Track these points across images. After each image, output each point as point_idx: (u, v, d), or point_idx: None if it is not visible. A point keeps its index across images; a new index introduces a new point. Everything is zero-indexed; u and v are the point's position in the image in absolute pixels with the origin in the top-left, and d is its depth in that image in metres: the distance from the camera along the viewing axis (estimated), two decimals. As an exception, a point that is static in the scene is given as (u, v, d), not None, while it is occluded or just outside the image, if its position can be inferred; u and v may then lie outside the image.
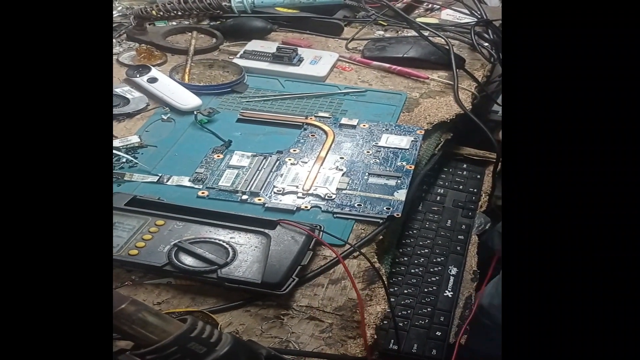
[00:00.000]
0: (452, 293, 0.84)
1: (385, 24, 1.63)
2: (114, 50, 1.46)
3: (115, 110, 1.22)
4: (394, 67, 1.39)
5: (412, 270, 0.86)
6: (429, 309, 0.80)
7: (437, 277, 0.86)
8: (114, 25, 1.57)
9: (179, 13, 1.51)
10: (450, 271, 0.87)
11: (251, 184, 1.03)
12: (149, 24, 1.55)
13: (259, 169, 1.06)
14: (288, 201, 1.00)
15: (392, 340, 0.86)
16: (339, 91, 1.31)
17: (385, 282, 0.84)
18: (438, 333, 0.84)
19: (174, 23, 1.59)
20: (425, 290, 0.84)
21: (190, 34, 1.55)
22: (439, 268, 0.87)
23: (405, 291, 0.83)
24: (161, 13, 1.50)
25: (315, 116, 1.21)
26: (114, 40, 1.50)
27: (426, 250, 0.90)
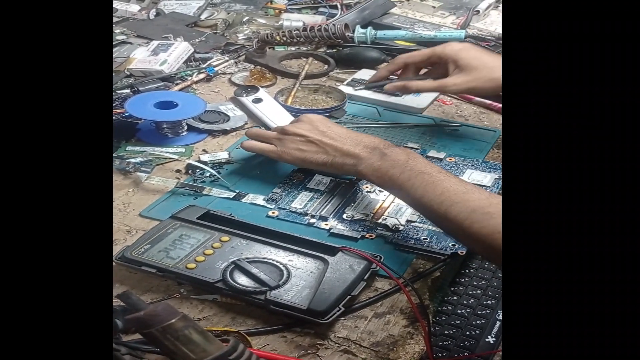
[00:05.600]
0: (494, 339, 0.75)
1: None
2: (230, 70, 1.44)
3: (214, 127, 1.20)
4: (495, 104, 1.30)
5: (459, 311, 0.78)
6: (465, 354, 0.72)
7: (482, 321, 0.77)
8: (236, 47, 1.56)
9: (302, 40, 1.48)
10: (498, 316, 0.78)
11: (323, 208, 0.98)
12: (269, 48, 1.53)
13: (335, 193, 1.01)
14: (354, 228, 0.93)
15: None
16: (434, 124, 1.24)
17: (431, 322, 0.76)
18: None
19: (293, 49, 1.56)
20: (467, 333, 0.75)
21: (305, 59, 1.52)
22: (487, 311, 0.78)
23: (446, 332, 0.75)
24: (285, 39, 1.48)
25: (403, 146, 1.14)
26: (232, 60, 1.48)
27: (478, 292, 0.81)
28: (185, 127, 1.18)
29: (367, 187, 1.02)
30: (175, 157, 1.10)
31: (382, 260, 0.85)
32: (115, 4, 1.73)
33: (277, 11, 1.79)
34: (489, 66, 1.13)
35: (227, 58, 1.50)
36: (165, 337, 0.61)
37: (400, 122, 1.24)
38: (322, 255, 0.85)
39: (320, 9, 1.82)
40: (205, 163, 1.08)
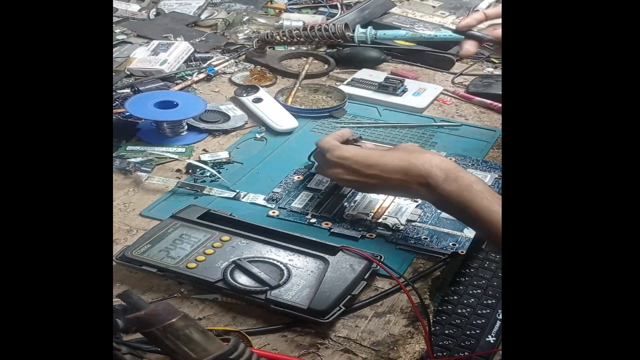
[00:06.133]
0: (494, 339, 0.75)
1: (497, 61, 1.53)
2: (230, 70, 1.44)
3: (214, 126, 1.20)
4: (495, 104, 1.30)
5: (459, 311, 0.78)
6: (465, 353, 0.72)
7: (483, 320, 0.77)
8: (236, 47, 1.56)
9: (302, 39, 1.48)
10: (499, 315, 0.78)
11: (323, 207, 0.98)
12: (269, 48, 1.53)
13: (335, 193, 1.01)
14: (354, 228, 0.93)
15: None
16: (434, 123, 1.24)
17: (431, 321, 0.76)
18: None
19: (293, 48, 1.56)
20: (468, 332, 0.75)
21: (305, 59, 1.52)
22: (488, 311, 0.78)
23: (447, 331, 0.75)
24: (285, 38, 1.47)
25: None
26: (232, 60, 1.48)
27: (479, 291, 0.81)
28: (186, 127, 1.18)
29: (367, 186, 1.02)
30: (176, 156, 1.10)
31: (382, 260, 0.85)
32: (115, 4, 1.73)
33: (277, 11, 1.79)
34: None
35: (227, 58, 1.50)
36: (166, 337, 0.61)
37: (400, 122, 1.24)
38: (322, 254, 0.85)
39: (320, 9, 1.82)
40: (205, 163, 1.08)
